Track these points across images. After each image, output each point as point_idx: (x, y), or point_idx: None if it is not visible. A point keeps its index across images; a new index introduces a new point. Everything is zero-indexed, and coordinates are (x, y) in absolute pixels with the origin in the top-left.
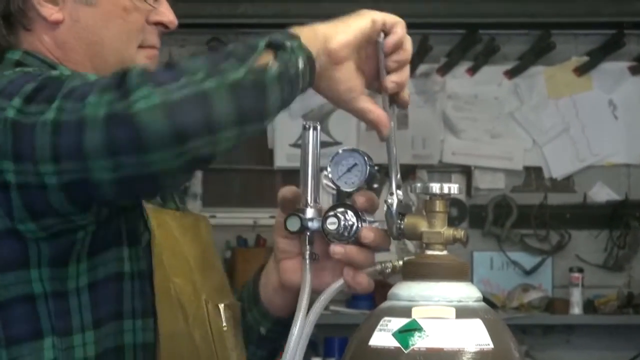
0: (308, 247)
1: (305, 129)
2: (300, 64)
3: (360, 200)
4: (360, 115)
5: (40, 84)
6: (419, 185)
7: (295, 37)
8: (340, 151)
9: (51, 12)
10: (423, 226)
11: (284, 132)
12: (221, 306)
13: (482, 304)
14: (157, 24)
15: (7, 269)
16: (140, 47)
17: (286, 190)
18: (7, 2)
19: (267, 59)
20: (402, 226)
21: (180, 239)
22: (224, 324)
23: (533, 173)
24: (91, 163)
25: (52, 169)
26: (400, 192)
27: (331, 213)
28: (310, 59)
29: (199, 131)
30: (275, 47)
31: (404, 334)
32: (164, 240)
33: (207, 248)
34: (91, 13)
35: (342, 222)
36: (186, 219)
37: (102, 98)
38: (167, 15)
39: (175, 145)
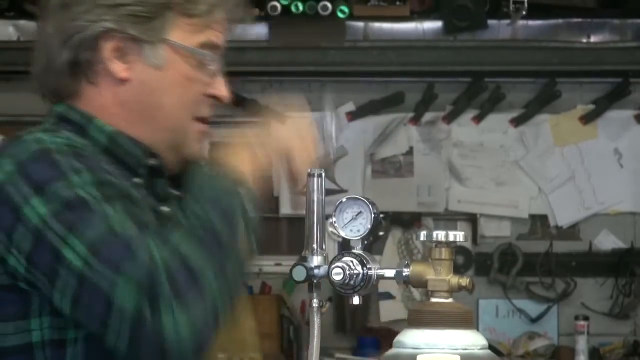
0: (315, 294)
1: (310, 176)
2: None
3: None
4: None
5: (72, 199)
6: (424, 233)
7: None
8: (345, 199)
9: (120, 69)
10: (429, 274)
11: None
12: None
13: (488, 351)
14: (212, 97)
15: (7, 320)
16: (195, 118)
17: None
18: (77, 52)
19: (244, 242)
20: (407, 274)
21: None
22: None
23: (539, 221)
24: (110, 333)
25: (69, 305)
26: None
27: (337, 264)
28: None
29: (213, 335)
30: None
31: None
32: None
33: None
34: (157, 77)
35: (348, 272)
36: None
37: (131, 291)
38: (223, 90)
39: (194, 353)
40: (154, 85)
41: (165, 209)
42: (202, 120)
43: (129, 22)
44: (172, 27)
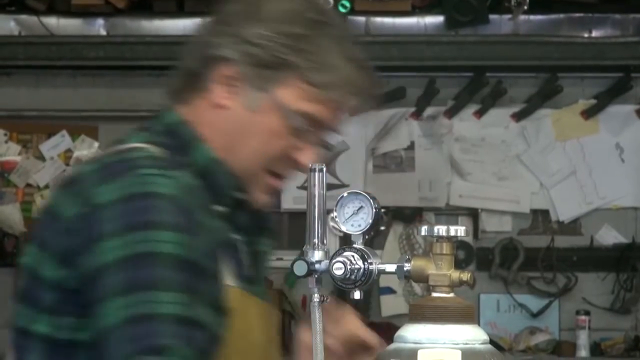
0: (317, 288)
1: (311, 171)
2: None
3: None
4: None
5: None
6: (425, 227)
7: None
8: (346, 194)
9: (222, 96)
10: (430, 268)
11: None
12: None
13: (489, 346)
14: (294, 160)
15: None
16: (270, 172)
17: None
18: (201, 64)
19: None
20: (408, 268)
21: (255, 326)
22: None
23: (540, 216)
24: None
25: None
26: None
27: (338, 258)
28: None
29: None
30: None
31: None
32: (239, 323)
33: (273, 337)
34: (248, 117)
35: (349, 267)
36: (263, 306)
37: None
38: (305, 158)
39: None
40: (242, 123)
41: (237, 237)
42: (275, 175)
43: (249, 61)
44: (285, 84)
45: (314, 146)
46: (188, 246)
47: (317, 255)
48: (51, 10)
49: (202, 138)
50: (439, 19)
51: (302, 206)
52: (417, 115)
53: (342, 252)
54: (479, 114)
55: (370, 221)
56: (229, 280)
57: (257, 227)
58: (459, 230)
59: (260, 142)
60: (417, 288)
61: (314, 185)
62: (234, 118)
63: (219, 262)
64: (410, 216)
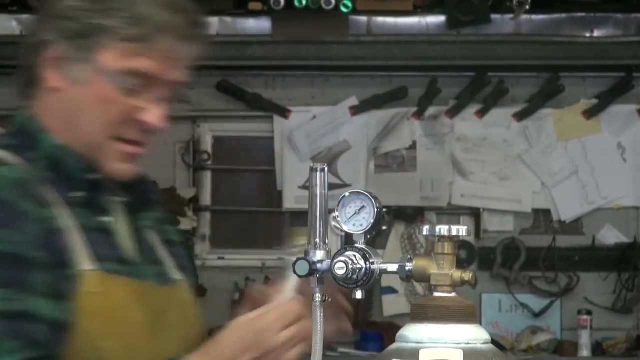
0: (318, 288)
1: (312, 170)
2: None
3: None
4: None
5: None
6: (427, 227)
7: None
8: (347, 194)
9: (53, 79)
10: (432, 268)
11: (293, 174)
12: None
13: (491, 346)
14: (141, 122)
15: None
16: (120, 140)
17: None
18: (28, 55)
19: None
20: (410, 268)
21: (129, 306)
22: None
23: (542, 215)
24: None
25: None
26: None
27: (339, 258)
28: None
29: None
30: None
31: None
32: (103, 304)
33: (162, 314)
34: (80, 93)
35: (351, 267)
36: (142, 285)
37: None
38: (149, 117)
39: None
40: (77, 99)
41: (106, 219)
42: (125, 141)
43: (65, 36)
44: (104, 48)
45: (157, 103)
46: (8, 241)
47: (319, 255)
48: None
49: (45, 128)
50: (440, 18)
51: (304, 206)
52: (418, 115)
53: (344, 252)
54: (481, 113)
55: (372, 221)
56: (86, 264)
57: (139, 203)
58: (460, 230)
59: (97, 113)
60: (419, 288)
61: (316, 185)
62: (67, 97)
63: (62, 249)
64: (412, 216)
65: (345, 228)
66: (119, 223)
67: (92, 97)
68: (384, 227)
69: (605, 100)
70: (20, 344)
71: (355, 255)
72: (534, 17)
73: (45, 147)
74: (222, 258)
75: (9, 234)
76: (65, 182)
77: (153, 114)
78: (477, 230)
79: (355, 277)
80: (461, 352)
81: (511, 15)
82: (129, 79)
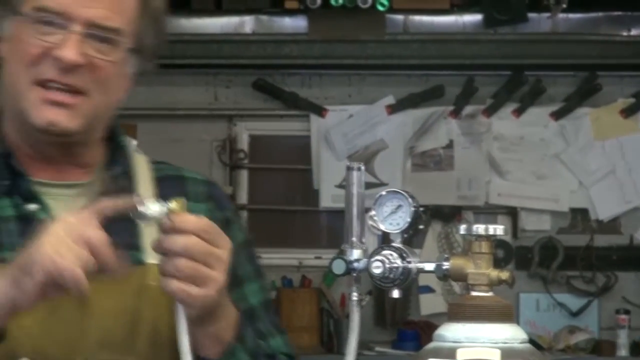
0: (355, 287)
1: (349, 169)
2: None
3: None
4: None
5: None
6: (464, 226)
7: None
8: (384, 193)
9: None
10: (469, 267)
11: (330, 173)
12: None
13: (528, 345)
14: (57, 59)
15: None
16: (40, 85)
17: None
18: None
19: None
20: (447, 267)
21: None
22: None
23: (579, 215)
24: None
25: None
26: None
27: (376, 257)
28: None
29: None
30: None
31: None
32: None
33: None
34: (9, 48)
35: (387, 265)
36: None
37: None
38: (64, 52)
39: None
40: (8, 57)
41: (32, 207)
42: (43, 85)
43: None
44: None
45: (73, 39)
46: None
47: (356, 253)
48: None
49: None
50: (477, 17)
51: (341, 205)
52: (455, 113)
53: (381, 251)
54: (518, 112)
55: (409, 220)
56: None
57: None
58: (497, 229)
59: (16, 58)
60: (456, 287)
61: (353, 183)
62: (3, 61)
63: None
64: (449, 215)
65: (382, 227)
66: (57, 210)
67: (12, 45)
68: (421, 226)
69: None
70: None
71: (391, 254)
72: (570, 15)
73: None
74: (259, 257)
75: None
76: None
77: (68, 48)
78: (514, 230)
79: (392, 276)
80: (499, 352)
81: (548, 14)
82: (40, 16)
